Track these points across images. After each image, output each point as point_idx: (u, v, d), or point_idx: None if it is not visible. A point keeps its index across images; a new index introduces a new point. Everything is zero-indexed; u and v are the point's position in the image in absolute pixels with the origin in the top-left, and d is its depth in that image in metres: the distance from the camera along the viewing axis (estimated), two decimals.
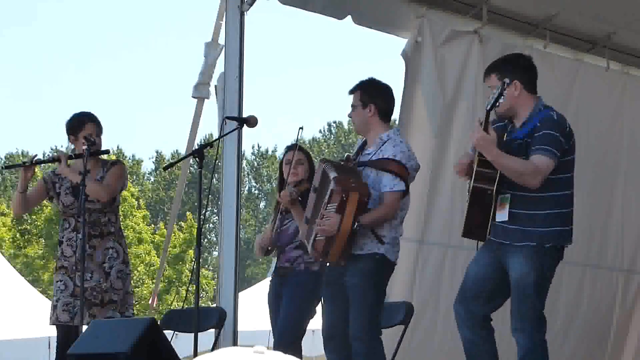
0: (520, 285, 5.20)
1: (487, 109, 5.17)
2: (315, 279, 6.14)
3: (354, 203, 5.32)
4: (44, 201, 6.84)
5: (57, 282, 6.38)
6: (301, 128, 6.04)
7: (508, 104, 5.31)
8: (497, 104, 5.13)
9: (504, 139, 5.35)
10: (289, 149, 6.51)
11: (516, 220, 5.26)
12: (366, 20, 7.40)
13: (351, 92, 5.67)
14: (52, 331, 6.49)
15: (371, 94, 5.62)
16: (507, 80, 5.21)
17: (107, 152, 6.58)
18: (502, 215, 5.29)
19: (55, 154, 6.60)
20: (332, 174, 5.39)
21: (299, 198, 6.08)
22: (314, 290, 6.10)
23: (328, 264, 5.71)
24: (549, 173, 5.20)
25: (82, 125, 6.35)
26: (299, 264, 6.27)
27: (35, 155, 6.52)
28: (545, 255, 5.23)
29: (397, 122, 7.59)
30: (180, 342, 6.29)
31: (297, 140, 6.18)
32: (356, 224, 5.36)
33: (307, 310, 6.21)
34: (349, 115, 5.70)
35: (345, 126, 56.43)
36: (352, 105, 5.65)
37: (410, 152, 5.55)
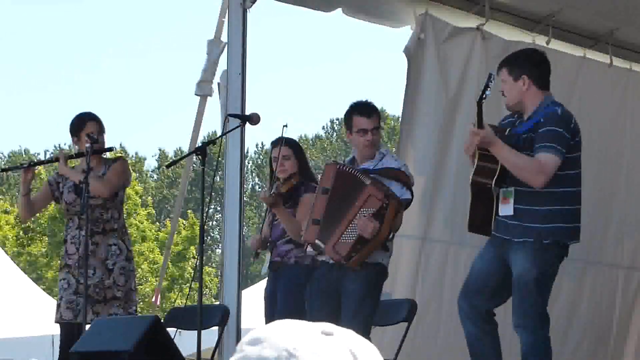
0: (521, 282, 5.19)
1: (477, 101, 5.18)
2: (306, 273, 6.15)
3: (392, 211, 5.43)
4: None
5: (61, 280, 6.39)
6: (285, 126, 6.13)
7: (516, 98, 5.33)
8: (484, 95, 5.14)
9: (506, 132, 5.36)
10: (274, 144, 6.50)
11: (517, 215, 5.25)
12: (366, 16, 7.38)
13: (372, 114, 5.74)
14: (56, 329, 6.50)
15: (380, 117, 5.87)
16: (492, 73, 5.23)
17: (110, 149, 6.59)
18: (506, 209, 5.27)
19: (55, 154, 6.63)
20: (366, 179, 5.49)
21: (280, 194, 6.09)
22: (306, 284, 6.12)
23: (317, 269, 5.73)
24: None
25: (83, 125, 6.37)
26: (289, 258, 6.28)
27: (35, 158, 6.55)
28: (546, 252, 5.21)
29: (400, 119, 7.60)
30: (184, 339, 6.29)
31: (281, 137, 6.20)
32: (392, 233, 5.46)
33: (301, 305, 6.19)
34: (371, 137, 5.69)
35: None
36: (376, 128, 5.74)
37: None
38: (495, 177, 5.25)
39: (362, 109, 5.75)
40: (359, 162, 5.74)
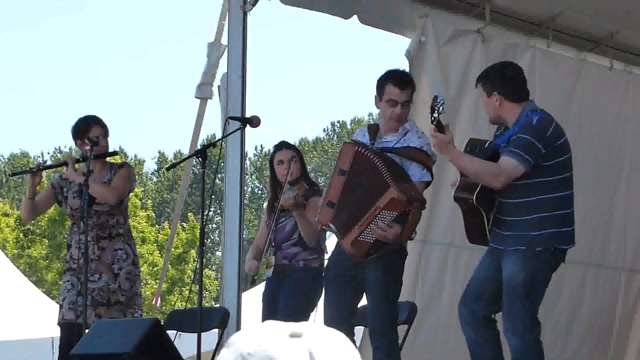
0: (509, 286, 5.20)
1: (431, 122, 5.08)
2: (314, 276, 6.13)
3: (416, 215, 5.32)
4: None
5: (65, 282, 6.39)
6: (294, 157, 6.13)
7: (493, 113, 5.41)
8: (433, 117, 5.02)
9: (486, 145, 5.38)
10: (279, 147, 6.48)
11: (510, 226, 5.26)
12: (371, 20, 7.39)
13: (407, 86, 5.46)
14: (56, 331, 6.49)
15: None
16: (437, 95, 5.07)
17: (114, 153, 6.59)
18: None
19: (62, 158, 6.62)
20: (390, 179, 5.27)
21: (305, 201, 6.07)
22: (313, 287, 6.10)
23: (331, 257, 5.68)
24: (529, 177, 5.16)
25: (89, 129, 6.36)
26: (297, 261, 6.26)
27: (45, 161, 6.56)
28: (537, 258, 5.20)
29: None
30: (184, 342, 6.28)
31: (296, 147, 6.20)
32: (414, 234, 5.39)
33: (305, 306, 6.18)
34: (399, 110, 5.44)
35: (349, 126, 56.43)
36: (407, 102, 5.47)
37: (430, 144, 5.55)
38: (477, 191, 5.25)
39: (398, 79, 5.46)
40: (382, 132, 5.52)
